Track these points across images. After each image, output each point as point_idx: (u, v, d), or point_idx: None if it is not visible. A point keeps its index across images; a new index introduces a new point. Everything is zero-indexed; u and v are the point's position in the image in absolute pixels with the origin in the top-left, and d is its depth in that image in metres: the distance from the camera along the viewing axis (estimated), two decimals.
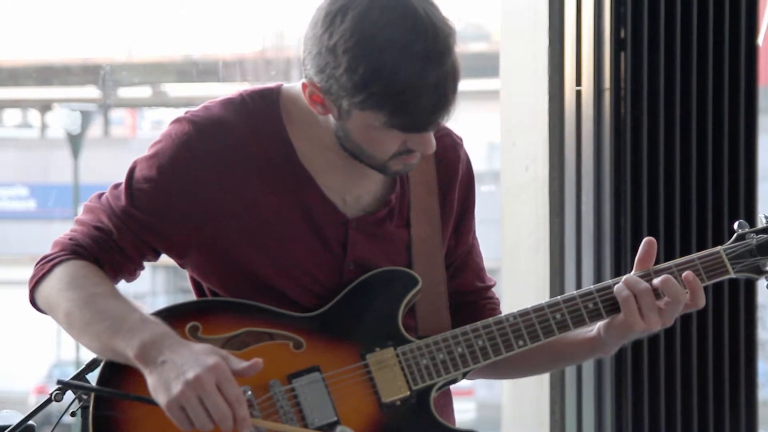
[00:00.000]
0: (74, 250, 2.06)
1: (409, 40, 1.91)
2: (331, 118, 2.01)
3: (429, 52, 1.92)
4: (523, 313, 2.09)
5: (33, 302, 2.09)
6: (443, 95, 1.94)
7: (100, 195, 2.10)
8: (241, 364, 1.92)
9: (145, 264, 2.13)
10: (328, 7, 1.95)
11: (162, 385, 1.89)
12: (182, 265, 2.14)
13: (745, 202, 3.39)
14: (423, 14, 1.92)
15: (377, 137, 1.98)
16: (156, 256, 2.11)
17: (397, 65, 1.90)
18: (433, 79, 1.92)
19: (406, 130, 1.96)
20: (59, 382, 2.00)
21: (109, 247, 2.06)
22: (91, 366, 2.12)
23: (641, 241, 3.29)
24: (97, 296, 2.00)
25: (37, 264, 2.08)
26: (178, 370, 1.88)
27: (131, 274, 2.10)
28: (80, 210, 2.16)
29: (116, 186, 2.09)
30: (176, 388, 1.87)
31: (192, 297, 2.16)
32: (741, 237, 2.13)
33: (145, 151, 2.09)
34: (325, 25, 1.94)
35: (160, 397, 1.89)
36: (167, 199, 2.05)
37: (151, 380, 1.90)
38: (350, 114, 1.97)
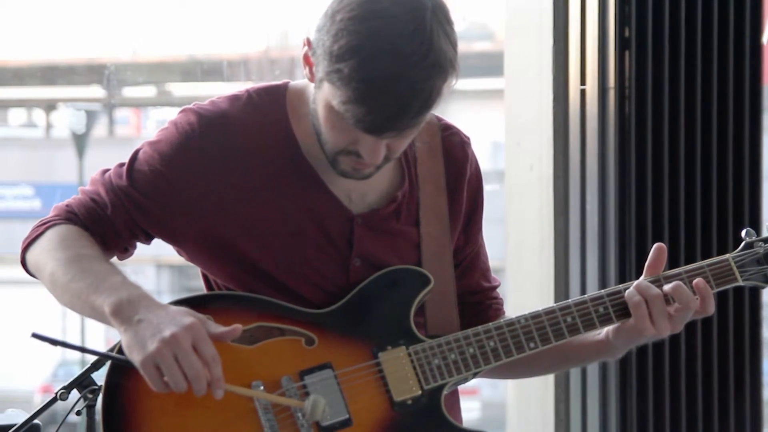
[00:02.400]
0: (68, 216, 2.08)
1: (401, 41, 1.88)
2: (314, 87, 1.99)
3: (414, 62, 1.89)
4: (535, 316, 2.09)
5: (23, 263, 2.10)
6: (403, 108, 1.91)
7: (105, 171, 2.11)
8: (219, 329, 1.91)
9: (140, 246, 2.14)
10: None
11: (138, 343, 1.88)
12: (180, 253, 2.14)
13: (749, 199, 3.38)
14: (428, 28, 1.90)
15: (332, 120, 1.96)
16: (148, 239, 2.12)
17: (378, 55, 1.88)
18: (403, 88, 1.89)
19: (354, 124, 1.93)
20: (34, 335, 1.98)
21: (101, 220, 2.07)
22: (96, 366, 2.12)
23: (645, 240, 3.32)
24: (83, 257, 2.00)
25: (32, 228, 2.10)
26: (154, 329, 1.87)
27: (121, 251, 2.11)
28: None
29: (121, 165, 2.10)
30: (152, 345, 1.86)
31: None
32: (749, 245, 2.14)
33: (152, 136, 2.10)
34: None
35: (135, 355, 1.88)
36: (165, 185, 2.06)
37: (126, 338, 1.89)
38: (321, 84, 1.95)
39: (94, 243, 2.05)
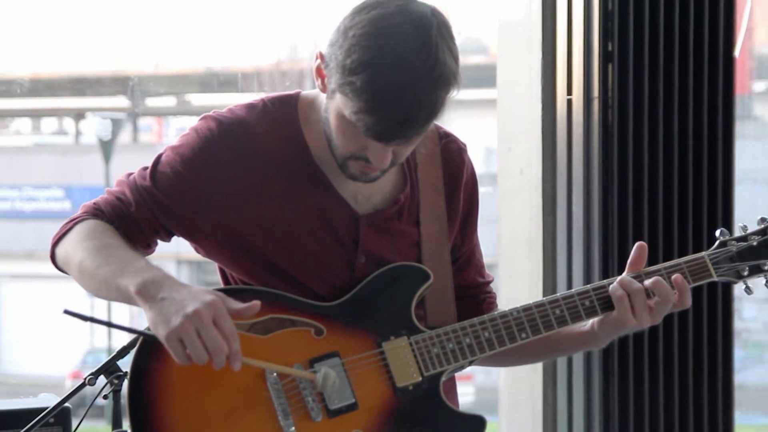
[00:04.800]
0: (95, 213, 2.08)
1: (409, 56, 1.88)
2: (325, 97, 1.99)
3: (420, 76, 1.89)
4: (526, 308, 2.09)
5: (53, 258, 2.10)
6: (411, 118, 1.91)
7: (130, 173, 2.11)
8: (238, 305, 1.91)
9: (160, 243, 2.13)
10: (367, 1, 1.94)
11: (162, 319, 1.87)
12: (197, 250, 2.13)
13: (722, 200, 3.38)
14: (434, 44, 1.90)
15: (343, 128, 1.96)
16: (169, 236, 2.11)
17: (388, 69, 1.88)
18: (411, 99, 1.89)
19: (365, 132, 1.92)
20: (66, 311, 1.97)
21: (125, 217, 2.07)
22: (122, 353, 2.12)
23: (627, 238, 3.31)
24: (109, 246, 2.00)
25: (62, 225, 2.10)
26: (177, 305, 1.86)
27: (144, 247, 2.10)
28: None
29: (145, 168, 2.10)
30: (176, 320, 1.85)
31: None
32: (723, 244, 2.14)
33: (174, 141, 2.10)
34: (354, 12, 1.93)
35: (160, 330, 1.87)
36: (185, 186, 2.06)
37: (150, 314, 1.89)
38: (334, 95, 1.95)
39: (119, 235, 2.04)
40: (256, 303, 1.92)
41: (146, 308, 1.90)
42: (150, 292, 1.89)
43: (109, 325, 2.06)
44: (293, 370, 1.99)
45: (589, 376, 3.36)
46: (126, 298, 1.94)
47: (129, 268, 1.94)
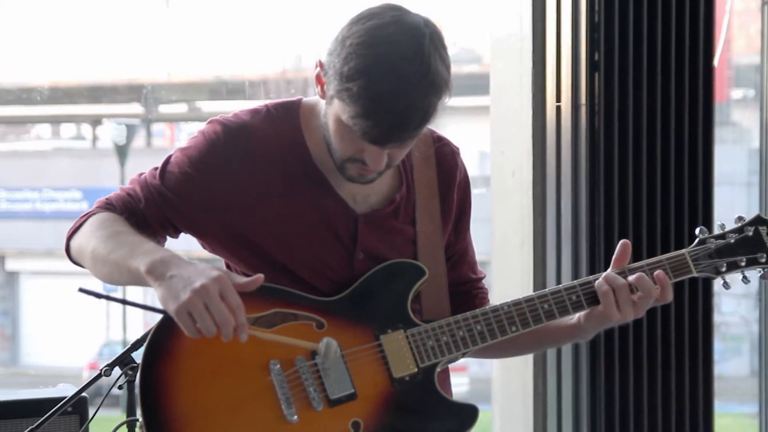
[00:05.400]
0: (107, 207, 2.08)
1: (402, 64, 1.88)
2: (324, 103, 1.99)
3: (413, 82, 1.88)
4: (516, 303, 2.08)
5: (68, 251, 2.10)
6: (404, 122, 1.90)
7: (142, 173, 2.11)
8: (243, 279, 1.90)
9: (173, 241, 2.12)
10: (364, 12, 1.94)
11: (172, 295, 1.86)
12: (204, 246, 2.13)
13: (703, 201, 3.38)
14: (426, 53, 1.89)
15: (341, 132, 1.96)
16: (176, 232, 2.10)
17: (383, 76, 1.88)
18: (404, 104, 1.89)
19: (361, 136, 1.92)
20: (80, 289, 1.96)
21: (135, 212, 2.07)
22: (136, 345, 2.12)
23: (613, 237, 3.31)
24: (120, 233, 2.00)
25: (76, 220, 2.10)
26: (185, 281, 1.86)
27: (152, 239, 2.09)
28: None
29: (156, 168, 2.10)
30: (185, 295, 1.85)
31: None
32: (702, 242, 2.13)
33: (185, 143, 2.10)
34: (351, 22, 1.93)
35: (170, 305, 1.86)
36: (192, 185, 2.05)
37: (160, 291, 1.88)
38: (332, 101, 1.95)
39: (128, 223, 2.04)
40: (260, 276, 1.91)
41: (156, 286, 1.89)
42: (159, 271, 1.89)
43: (123, 302, 2.05)
44: (297, 340, 1.97)
45: (577, 368, 3.36)
46: (137, 279, 1.94)
47: (138, 251, 1.94)
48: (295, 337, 2.00)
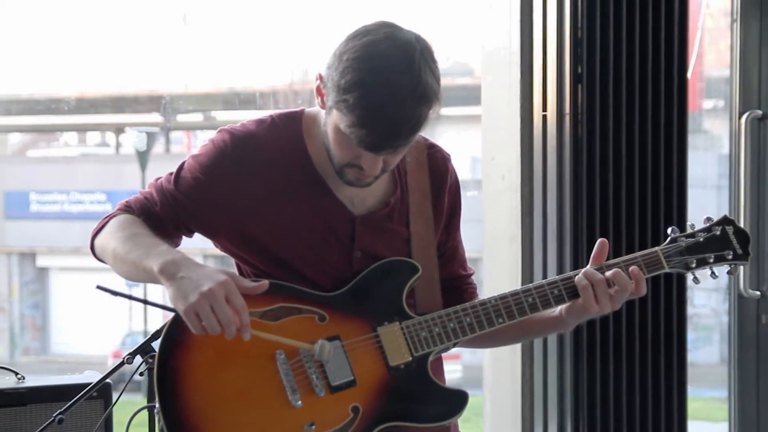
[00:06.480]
0: (126, 209, 2.09)
1: (395, 77, 1.88)
2: (324, 113, 1.99)
3: (405, 94, 1.88)
4: (502, 297, 2.08)
5: (92, 249, 2.10)
6: (397, 131, 1.90)
7: (158, 178, 2.12)
8: (248, 283, 1.90)
9: (188, 240, 2.13)
10: (359, 29, 1.94)
11: (181, 296, 1.87)
12: (215, 245, 2.13)
13: (677, 203, 3.38)
14: (417, 66, 1.89)
15: (339, 140, 1.95)
16: (190, 232, 2.11)
17: (376, 88, 1.88)
18: (397, 114, 1.89)
19: (358, 143, 1.92)
20: (98, 287, 2.00)
21: (151, 214, 2.08)
22: (155, 336, 2.12)
23: (595, 235, 3.31)
24: (137, 234, 2.01)
25: (99, 221, 2.11)
26: (194, 284, 1.86)
27: (166, 240, 2.09)
28: None
29: (170, 173, 2.11)
30: (193, 297, 1.85)
31: None
32: (673, 240, 2.14)
33: (196, 151, 2.11)
34: (348, 38, 1.93)
35: (179, 305, 1.87)
36: (203, 189, 2.06)
37: (171, 291, 1.88)
38: (331, 111, 1.95)
39: (146, 225, 2.05)
40: (264, 283, 1.92)
41: (167, 285, 1.90)
42: (170, 271, 1.89)
43: (136, 299, 2.07)
44: (294, 341, 1.98)
45: (562, 356, 3.35)
46: (151, 278, 1.94)
47: (153, 252, 1.94)
48: (299, 329, 1.99)
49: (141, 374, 2.14)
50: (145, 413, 2.17)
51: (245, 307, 1.88)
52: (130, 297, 2.03)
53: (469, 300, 2.15)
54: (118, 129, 13.18)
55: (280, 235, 2.06)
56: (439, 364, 2.16)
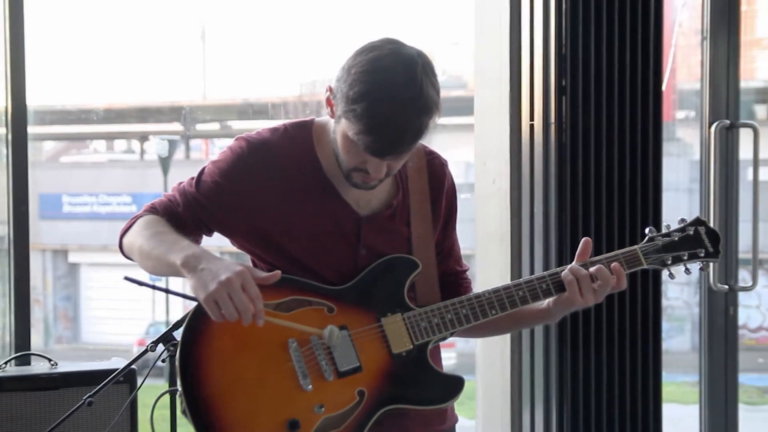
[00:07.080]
0: (152, 210, 2.09)
1: (398, 89, 1.88)
2: (333, 122, 1.99)
3: (408, 105, 1.88)
4: (495, 291, 2.08)
5: (121, 247, 2.10)
6: (400, 138, 1.91)
7: (181, 182, 2.13)
8: (262, 274, 1.90)
9: (206, 238, 2.13)
10: (366, 45, 1.94)
11: (202, 285, 1.87)
12: (233, 243, 2.13)
13: (653, 205, 3.37)
14: (419, 79, 1.89)
15: (347, 146, 1.96)
16: (209, 231, 2.11)
17: (382, 99, 1.88)
18: (399, 123, 1.89)
19: (364, 149, 1.92)
20: (126, 278, 2.03)
21: (174, 215, 2.08)
22: (177, 325, 2.12)
23: (578, 234, 3.30)
24: (162, 233, 2.01)
25: (127, 221, 2.11)
26: (213, 275, 1.86)
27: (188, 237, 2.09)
28: None
29: (192, 178, 2.11)
30: (212, 286, 1.85)
31: None
32: (651, 239, 2.14)
33: (215, 157, 2.11)
34: (355, 54, 1.93)
35: (200, 294, 1.88)
36: (222, 192, 2.06)
37: (192, 282, 1.89)
38: (340, 120, 1.95)
39: (169, 224, 2.05)
40: (277, 273, 1.92)
41: (189, 277, 1.90)
42: (192, 264, 1.89)
43: (161, 289, 2.09)
44: (305, 326, 1.98)
45: (548, 344, 3.35)
46: (175, 271, 1.94)
47: (176, 247, 1.95)
48: (309, 320, 2.00)
49: (163, 361, 2.14)
50: (167, 396, 2.17)
51: (260, 295, 1.88)
52: (154, 287, 2.04)
53: (464, 293, 2.15)
54: (143, 137, 13.19)
55: (291, 233, 2.06)
56: (437, 352, 2.16)
